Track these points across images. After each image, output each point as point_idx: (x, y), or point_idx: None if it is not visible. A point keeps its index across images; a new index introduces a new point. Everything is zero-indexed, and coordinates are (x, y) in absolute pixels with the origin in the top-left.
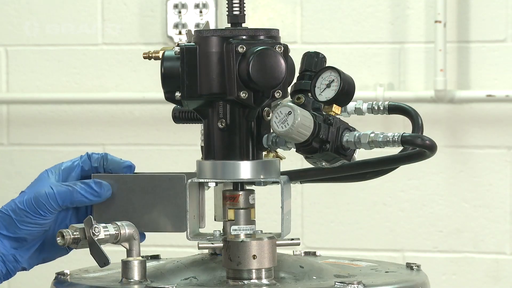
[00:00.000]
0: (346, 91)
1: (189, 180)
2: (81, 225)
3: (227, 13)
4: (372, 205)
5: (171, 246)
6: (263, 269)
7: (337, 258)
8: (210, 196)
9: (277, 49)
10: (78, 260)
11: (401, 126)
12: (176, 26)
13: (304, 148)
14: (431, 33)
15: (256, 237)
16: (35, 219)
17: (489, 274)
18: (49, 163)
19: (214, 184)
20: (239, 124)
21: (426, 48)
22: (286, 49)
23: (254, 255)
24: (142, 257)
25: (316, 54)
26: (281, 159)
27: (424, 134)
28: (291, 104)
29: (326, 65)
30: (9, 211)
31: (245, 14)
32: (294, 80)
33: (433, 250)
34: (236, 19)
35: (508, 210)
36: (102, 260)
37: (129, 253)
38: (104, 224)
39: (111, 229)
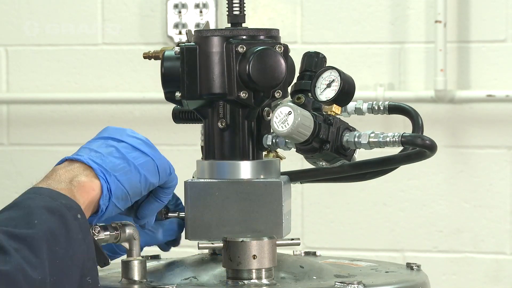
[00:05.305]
0: (346, 91)
1: (188, 180)
2: None
3: (227, 13)
4: (372, 205)
5: None
6: (263, 269)
7: (337, 258)
8: None
9: (277, 49)
10: None
11: (401, 126)
12: (176, 26)
13: (304, 148)
14: (431, 33)
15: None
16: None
17: (489, 274)
18: (49, 163)
19: None
20: (239, 124)
21: (426, 48)
22: (286, 49)
23: (254, 255)
24: (142, 257)
25: (316, 54)
26: (281, 159)
27: (424, 134)
28: (291, 104)
29: (326, 65)
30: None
31: (245, 14)
32: (294, 80)
33: (433, 250)
34: (236, 19)
35: (508, 210)
36: (102, 260)
37: (129, 253)
38: (104, 224)
39: (111, 229)
